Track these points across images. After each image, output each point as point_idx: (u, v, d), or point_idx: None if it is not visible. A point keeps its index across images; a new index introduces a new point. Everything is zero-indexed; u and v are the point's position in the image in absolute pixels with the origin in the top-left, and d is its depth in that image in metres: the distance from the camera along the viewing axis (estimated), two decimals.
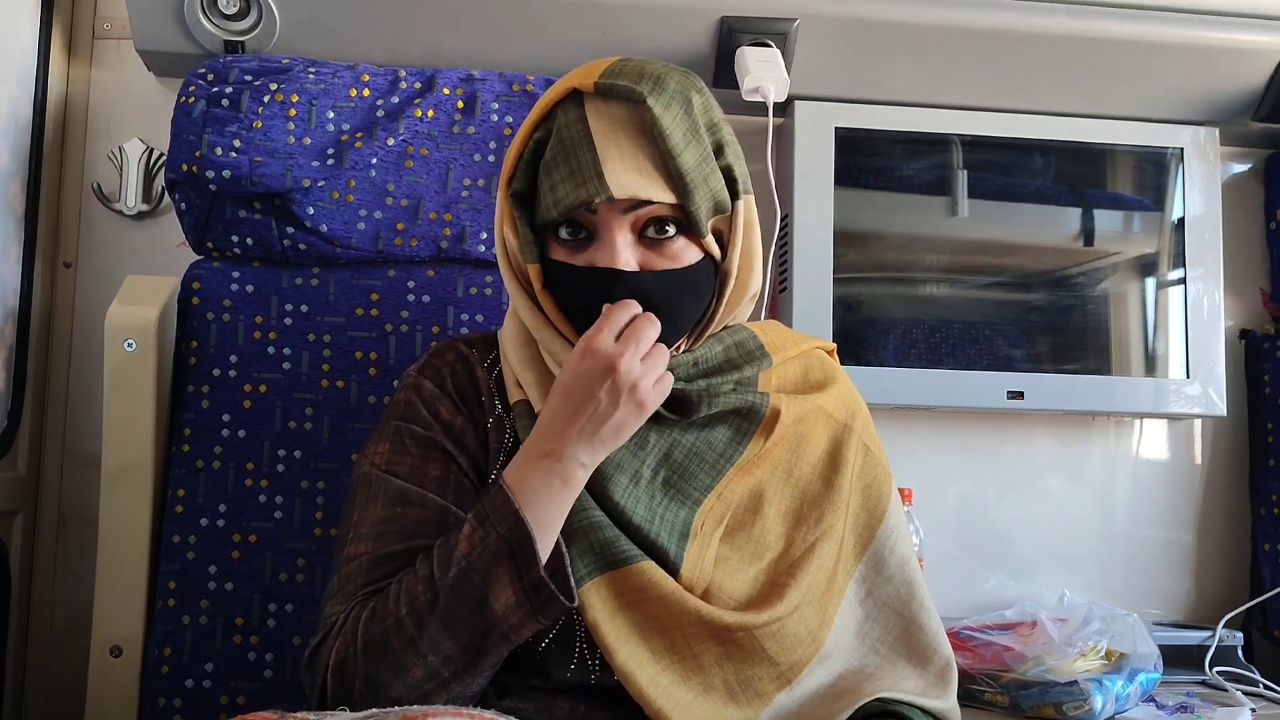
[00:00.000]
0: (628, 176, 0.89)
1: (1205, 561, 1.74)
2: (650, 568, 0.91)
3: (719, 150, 0.95)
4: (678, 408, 0.96)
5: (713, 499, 0.96)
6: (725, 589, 0.93)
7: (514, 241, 0.96)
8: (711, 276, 0.97)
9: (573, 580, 0.87)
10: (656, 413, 0.93)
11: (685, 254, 0.94)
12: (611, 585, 0.91)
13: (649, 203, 0.90)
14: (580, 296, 0.93)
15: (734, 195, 0.96)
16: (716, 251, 0.96)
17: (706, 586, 0.93)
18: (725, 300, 0.98)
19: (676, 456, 0.96)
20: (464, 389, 1.01)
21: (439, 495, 0.94)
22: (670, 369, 0.94)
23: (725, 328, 1.02)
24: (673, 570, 0.92)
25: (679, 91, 0.93)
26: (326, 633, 0.89)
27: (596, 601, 0.91)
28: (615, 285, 0.91)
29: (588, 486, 0.92)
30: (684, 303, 0.94)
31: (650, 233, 0.92)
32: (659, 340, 0.90)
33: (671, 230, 0.93)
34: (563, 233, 0.93)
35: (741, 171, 0.97)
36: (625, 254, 0.91)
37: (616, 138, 0.90)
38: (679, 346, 0.99)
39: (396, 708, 0.79)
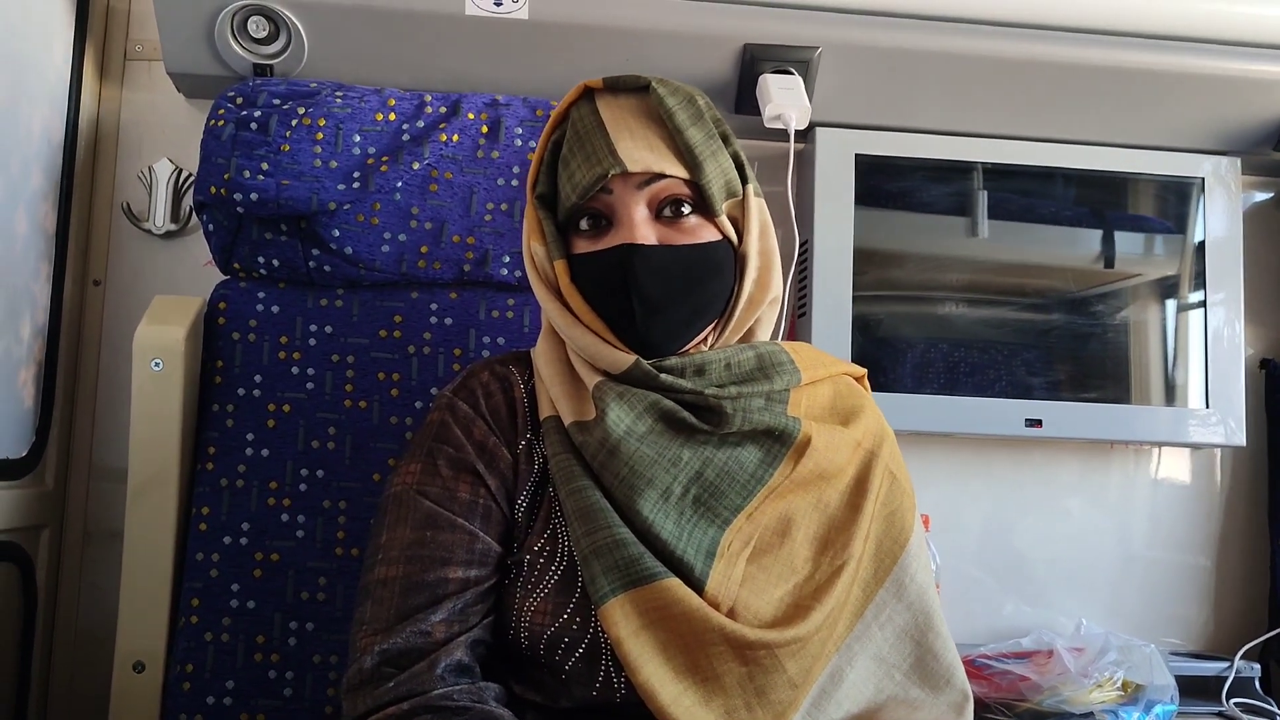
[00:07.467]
0: (639, 152, 0.95)
1: (1224, 591, 1.73)
2: (675, 584, 0.90)
3: (725, 139, 1.01)
4: (710, 418, 0.96)
5: (742, 519, 0.95)
6: (750, 608, 0.92)
7: (541, 250, 1.01)
8: (730, 260, 1.00)
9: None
10: (690, 425, 0.95)
11: (702, 231, 0.98)
12: (635, 603, 0.90)
13: (662, 176, 0.95)
14: (604, 275, 0.96)
15: (744, 180, 1.01)
16: (733, 235, 1.00)
17: (731, 605, 0.91)
18: (746, 290, 1.00)
19: (708, 475, 0.95)
20: (498, 410, 1.01)
21: (467, 520, 0.95)
22: (700, 367, 0.97)
23: (754, 339, 1.03)
24: (697, 588, 0.91)
25: (683, 88, 1.00)
26: (366, 680, 0.89)
27: (620, 619, 0.89)
28: (635, 258, 0.94)
29: (615, 500, 0.93)
30: (704, 280, 0.97)
31: (667, 212, 0.97)
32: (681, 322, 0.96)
33: (687, 209, 0.98)
34: (583, 224, 0.98)
35: (747, 164, 1.02)
36: (643, 229, 0.95)
37: (627, 122, 0.97)
38: (705, 339, 1.01)
39: None
